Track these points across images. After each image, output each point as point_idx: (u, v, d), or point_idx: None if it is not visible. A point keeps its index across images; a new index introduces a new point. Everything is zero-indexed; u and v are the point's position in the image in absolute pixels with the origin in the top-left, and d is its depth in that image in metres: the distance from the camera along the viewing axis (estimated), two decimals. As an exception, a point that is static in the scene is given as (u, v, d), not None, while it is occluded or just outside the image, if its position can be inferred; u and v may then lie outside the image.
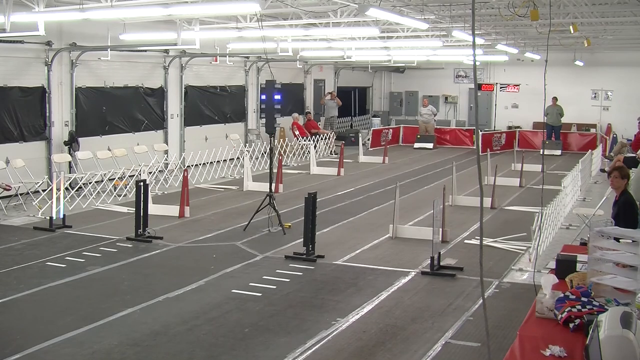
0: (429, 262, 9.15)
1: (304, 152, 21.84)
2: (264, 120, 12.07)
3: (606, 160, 18.83)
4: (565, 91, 26.06)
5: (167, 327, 7.05)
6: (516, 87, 30.03)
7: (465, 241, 10.93)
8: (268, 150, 12.71)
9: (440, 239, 9.57)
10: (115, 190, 14.54)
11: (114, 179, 14.93)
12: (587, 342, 3.71)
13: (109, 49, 16.04)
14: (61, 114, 15.59)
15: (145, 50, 17.56)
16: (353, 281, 8.75)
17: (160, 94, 18.77)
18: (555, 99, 24.78)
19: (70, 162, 15.33)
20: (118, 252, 10.07)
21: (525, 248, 10.14)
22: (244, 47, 19.09)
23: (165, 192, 15.18)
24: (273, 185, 12.28)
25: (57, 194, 11.53)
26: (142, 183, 10.87)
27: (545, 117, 24.23)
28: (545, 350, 3.92)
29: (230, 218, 12.54)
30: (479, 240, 5.99)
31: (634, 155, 14.85)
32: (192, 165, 17.04)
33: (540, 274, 6.66)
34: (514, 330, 4.66)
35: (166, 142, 18.85)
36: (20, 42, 14.04)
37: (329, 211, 13.14)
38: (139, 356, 6.34)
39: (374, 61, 26.01)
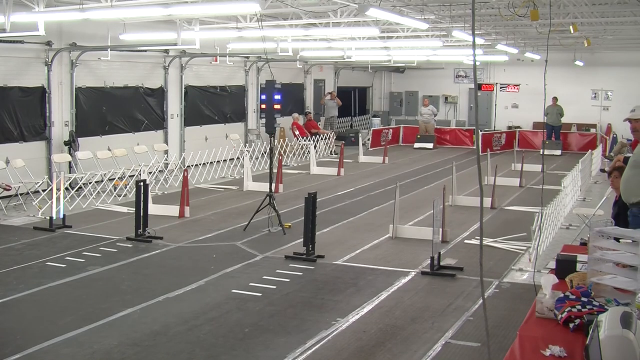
0: (429, 262, 9.15)
1: (304, 152, 21.84)
2: (264, 120, 12.06)
3: (606, 160, 18.81)
4: (565, 91, 26.07)
5: (167, 327, 7.05)
6: (516, 87, 30.04)
7: (465, 241, 10.93)
8: (268, 150, 12.71)
9: (440, 239, 9.57)
10: (115, 190, 14.54)
11: (114, 179, 14.93)
12: (587, 342, 3.71)
13: (109, 49, 16.05)
14: (61, 114, 15.59)
15: (145, 50, 17.57)
16: (353, 281, 8.75)
17: (160, 94, 18.77)
18: (555, 99, 24.80)
19: (70, 162, 15.33)
20: (118, 252, 10.07)
21: (525, 248, 10.14)
22: (244, 47, 19.09)
23: (165, 192, 15.18)
24: (273, 185, 12.28)
25: (57, 194, 11.53)
26: (142, 183, 10.87)
27: (545, 117, 24.24)
28: (545, 350, 3.91)
29: (230, 218, 12.54)
30: (479, 240, 5.99)
31: (634, 155, 14.83)
32: (192, 165, 17.04)
33: (540, 274, 6.65)
34: (514, 330, 4.66)
35: (166, 142, 18.85)
36: (20, 42, 14.05)
37: (329, 211, 13.14)
38: (139, 356, 6.34)
39: (374, 61, 26.02)
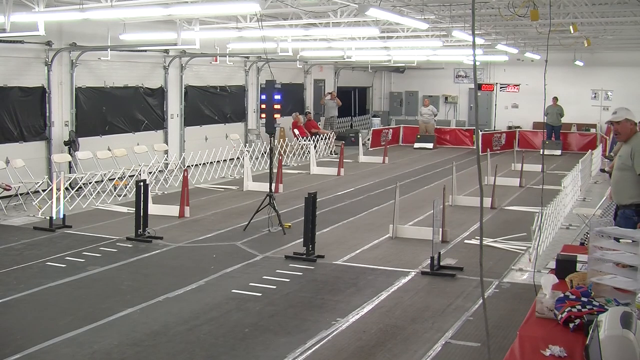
0: (429, 262, 9.15)
1: (304, 152, 21.84)
2: (264, 120, 12.06)
3: (606, 160, 18.81)
4: (565, 91, 26.07)
5: (167, 327, 7.05)
6: (516, 87, 30.04)
7: (465, 241, 10.93)
8: (268, 150, 12.71)
9: (440, 239, 9.57)
10: (115, 190, 14.54)
11: (114, 179, 14.93)
12: (587, 342, 3.71)
13: (109, 49, 16.05)
14: (61, 114, 15.59)
15: (145, 50, 17.57)
16: (353, 281, 8.75)
17: (160, 94, 18.78)
18: (555, 99, 24.80)
19: (70, 162, 15.33)
20: (118, 252, 10.07)
21: (525, 248, 10.14)
22: (244, 47, 19.09)
23: (165, 192, 15.18)
24: (273, 185, 12.28)
25: (57, 194, 11.53)
26: (142, 183, 10.87)
27: (545, 117, 24.24)
28: (545, 350, 3.92)
29: (230, 218, 12.54)
30: (479, 240, 5.99)
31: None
32: (192, 165, 17.04)
33: (540, 274, 6.65)
34: (514, 330, 4.66)
35: (166, 142, 18.86)
36: (20, 42, 14.05)
37: (329, 211, 13.14)
38: (139, 356, 6.34)
39: (374, 61, 26.03)
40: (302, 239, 9.84)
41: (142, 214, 10.80)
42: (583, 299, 4.30)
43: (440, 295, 8.24)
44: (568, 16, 15.18)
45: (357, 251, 10.29)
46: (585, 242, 6.12)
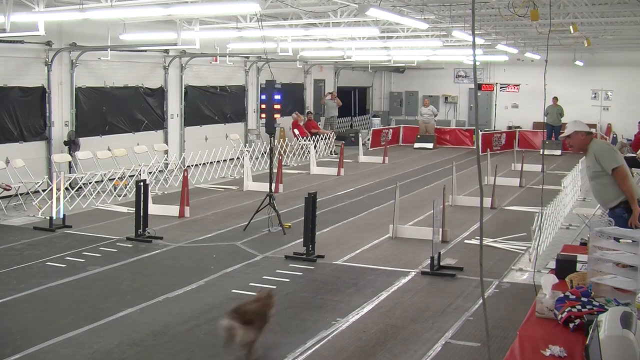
0: (429, 262, 9.15)
1: (304, 152, 21.84)
2: (264, 120, 12.06)
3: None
4: (565, 91, 26.07)
5: (167, 327, 7.05)
6: (516, 87, 30.05)
7: (465, 241, 10.93)
8: (268, 150, 12.71)
9: (440, 239, 9.57)
10: (115, 190, 14.54)
11: (114, 179, 14.93)
12: (587, 342, 3.71)
13: (109, 49, 16.05)
14: (61, 114, 15.59)
15: (145, 50, 17.57)
16: (353, 281, 8.75)
17: (160, 94, 18.78)
18: (555, 99, 24.80)
19: (70, 162, 15.33)
20: (118, 252, 10.07)
21: (525, 248, 10.14)
22: (244, 47, 19.10)
23: (165, 192, 15.18)
24: (273, 185, 12.28)
25: (57, 194, 11.52)
26: (142, 183, 10.87)
27: (545, 117, 24.24)
28: (545, 350, 3.92)
29: (230, 218, 12.54)
30: (479, 240, 5.99)
31: (634, 155, 14.84)
32: (192, 165, 17.04)
33: (540, 274, 6.65)
34: (514, 330, 4.66)
35: (166, 142, 18.86)
36: (20, 42, 14.05)
37: (329, 211, 13.14)
38: (139, 356, 6.34)
39: (374, 61, 26.03)
40: (302, 239, 9.84)
41: (142, 214, 10.80)
42: (583, 299, 4.30)
43: (440, 295, 8.24)
44: (568, 16, 15.18)
45: (357, 251, 10.29)
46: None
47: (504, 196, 14.73)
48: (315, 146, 20.50)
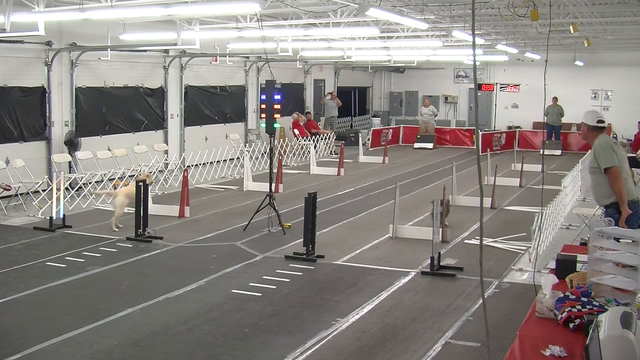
0: (429, 262, 9.15)
1: (304, 152, 21.84)
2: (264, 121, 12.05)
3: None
4: (565, 91, 26.06)
5: (167, 327, 7.05)
6: (516, 87, 30.04)
7: (465, 241, 10.93)
8: (268, 150, 12.71)
9: (440, 239, 9.57)
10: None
11: (114, 179, 14.92)
12: (587, 342, 3.71)
13: (109, 49, 16.05)
14: (61, 114, 15.59)
15: (145, 50, 17.57)
16: (353, 281, 8.75)
17: (160, 94, 18.78)
18: (555, 99, 24.79)
19: (70, 162, 15.33)
20: (118, 252, 10.07)
21: (525, 248, 10.14)
22: (244, 47, 19.10)
23: (165, 192, 15.18)
24: (273, 185, 12.28)
25: (57, 194, 11.52)
26: (142, 183, 10.87)
27: (545, 117, 24.24)
28: (545, 350, 3.92)
29: (230, 218, 12.54)
30: (479, 240, 5.99)
31: (634, 155, 14.85)
32: (192, 165, 17.04)
33: (540, 274, 6.65)
34: (514, 330, 4.66)
35: (166, 142, 18.86)
36: (20, 42, 14.05)
37: (329, 211, 13.14)
38: (139, 356, 6.34)
39: (374, 61, 26.02)
40: (302, 239, 9.84)
41: (142, 214, 10.80)
42: (583, 299, 4.30)
43: (440, 295, 8.24)
44: (568, 16, 15.18)
45: (357, 251, 10.29)
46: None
47: (504, 196, 14.73)
48: (315, 146, 20.49)
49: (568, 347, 3.91)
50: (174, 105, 19.32)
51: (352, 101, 32.41)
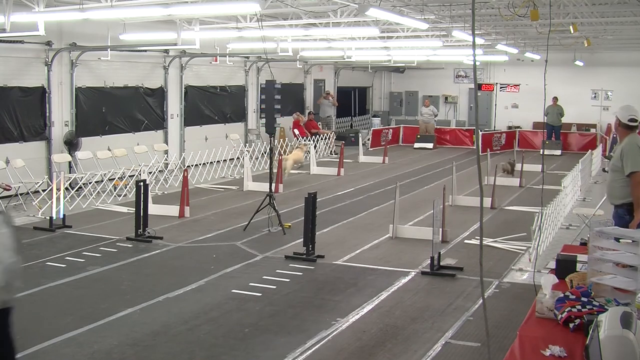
0: (429, 262, 9.15)
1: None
2: (264, 120, 12.06)
3: (606, 160, 18.84)
4: (565, 91, 26.05)
5: (167, 327, 7.05)
6: (516, 87, 30.04)
7: (465, 241, 10.93)
8: (268, 150, 12.71)
9: (440, 239, 9.57)
10: (115, 190, 14.54)
11: (114, 179, 14.93)
12: (587, 342, 3.71)
13: (109, 49, 16.05)
14: (61, 114, 15.59)
15: (145, 50, 17.57)
16: (353, 281, 8.75)
17: (160, 94, 18.77)
18: (555, 99, 24.78)
19: (70, 162, 15.33)
20: (118, 252, 10.07)
21: (525, 248, 10.14)
22: (244, 47, 19.10)
23: (165, 192, 15.18)
24: (273, 185, 12.28)
25: (57, 194, 11.52)
26: (142, 183, 10.87)
27: (545, 117, 24.24)
28: (545, 350, 3.91)
29: (230, 218, 12.54)
30: (479, 240, 5.99)
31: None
32: (192, 165, 17.04)
33: (540, 274, 6.65)
34: (514, 330, 4.66)
35: (166, 142, 18.85)
36: (20, 42, 14.04)
37: (329, 211, 13.14)
38: (139, 356, 6.34)
39: (374, 61, 26.02)
40: (302, 239, 9.84)
41: (142, 214, 10.80)
42: (583, 299, 4.30)
43: (440, 295, 8.24)
44: (568, 16, 15.17)
45: (357, 251, 10.29)
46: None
47: (504, 196, 14.73)
48: (315, 146, 20.49)
49: (568, 347, 3.91)
50: (174, 105, 19.32)
51: (352, 101, 32.40)
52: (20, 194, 13.25)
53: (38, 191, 13.39)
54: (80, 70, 15.97)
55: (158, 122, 18.70)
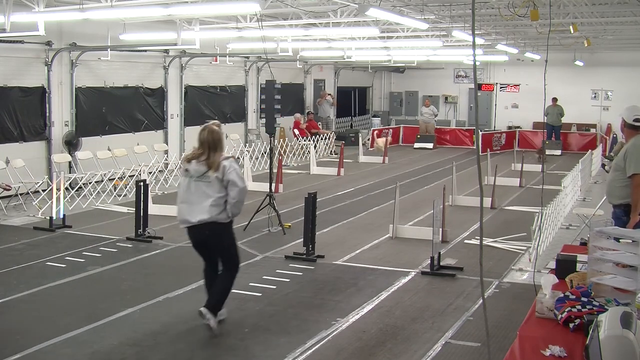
0: (429, 262, 9.15)
1: (304, 152, 21.84)
2: (264, 120, 12.06)
3: (606, 160, 18.84)
4: (565, 91, 26.06)
5: (167, 327, 7.05)
6: (516, 87, 30.04)
7: (465, 241, 10.93)
8: (268, 150, 12.71)
9: (440, 239, 9.57)
10: (115, 190, 14.54)
11: (114, 179, 14.93)
12: (587, 342, 3.71)
13: (109, 49, 16.05)
14: (61, 114, 15.59)
15: (145, 50, 17.57)
16: (353, 281, 8.75)
17: (160, 94, 18.78)
18: (555, 99, 24.76)
19: (70, 162, 15.33)
20: (118, 252, 10.07)
21: (525, 248, 10.14)
22: (244, 47, 19.10)
23: (165, 192, 15.18)
24: (273, 185, 12.28)
25: (57, 194, 11.52)
26: (142, 183, 10.87)
27: (545, 117, 24.25)
28: (545, 350, 3.91)
29: (230, 218, 12.51)
30: (479, 240, 5.99)
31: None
32: (192, 165, 16.99)
33: (540, 274, 6.65)
34: (514, 330, 4.66)
35: (166, 142, 18.86)
36: (20, 42, 14.05)
37: (329, 211, 13.14)
38: (139, 356, 6.34)
39: (374, 61, 26.03)
40: (302, 239, 9.84)
41: (142, 214, 10.80)
42: (583, 299, 4.30)
43: (440, 295, 8.24)
44: (568, 16, 15.18)
45: (357, 251, 10.29)
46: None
47: (504, 196, 14.73)
48: (315, 146, 20.49)
49: (568, 347, 3.91)
50: (174, 105, 19.32)
51: (352, 101, 32.40)
52: (20, 194, 13.26)
53: (38, 191, 13.39)
54: (80, 70, 15.97)
55: (158, 122, 18.70)
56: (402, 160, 22.27)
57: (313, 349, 6.54)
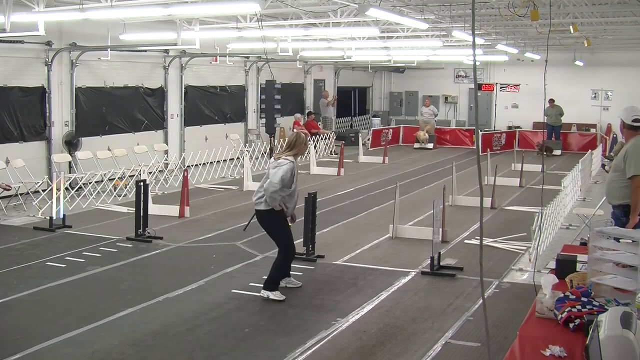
0: (429, 262, 9.15)
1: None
2: (264, 120, 12.06)
3: (606, 160, 18.85)
4: (565, 91, 26.07)
5: (167, 327, 7.05)
6: (516, 87, 30.05)
7: (465, 241, 10.93)
8: (268, 150, 12.70)
9: (440, 239, 9.57)
10: (115, 190, 14.54)
11: (114, 179, 14.93)
12: (587, 342, 3.71)
13: (109, 49, 16.05)
14: (61, 114, 15.59)
15: (145, 50, 17.57)
16: (353, 281, 8.75)
17: (160, 94, 18.78)
18: (552, 100, 24.69)
19: (70, 162, 15.33)
20: (118, 252, 10.07)
21: (525, 248, 10.14)
22: (244, 47, 19.10)
23: (165, 192, 15.18)
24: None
25: (57, 194, 11.52)
26: (142, 183, 10.87)
27: (546, 118, 24.24)
28: (545, 350, 3.92)
29: (230, 218, 12.54)
30: (479, 240, 5.99)
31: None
32: (192, 165, 17.04)
33: (540, 274, 6.65)
34: (514, 330, 4.66)
35: (166, 142, 18.86)
36: (20, 42, 14.05)
37: (329, 211, 13.14)
38: (139, 356, 6.34)
39: (374, 61, 26.02)
40: (302, 239, 9.83)
41: (142, 214, 10.80)
42: (583, 299, 4.30)
43: (440, 295, 8.24)
44: (568, 16, 15.18)
45: (357, 251, 10.29)
46: None
47: (504, 196, 14.73)
48: (315, 146, 20.49)
49: (568, 347, 3.91)
50: (174, 105, 19.32)
51: (352, 101, 32.40)
52: (20, 194, 13.25)
53: (38, 191, 13.39)
54: (80, 70, 15.97)
55: (158, 122, 18.70)
56: (402, 160, 22.27)
57: (313, 349, 6.54)
